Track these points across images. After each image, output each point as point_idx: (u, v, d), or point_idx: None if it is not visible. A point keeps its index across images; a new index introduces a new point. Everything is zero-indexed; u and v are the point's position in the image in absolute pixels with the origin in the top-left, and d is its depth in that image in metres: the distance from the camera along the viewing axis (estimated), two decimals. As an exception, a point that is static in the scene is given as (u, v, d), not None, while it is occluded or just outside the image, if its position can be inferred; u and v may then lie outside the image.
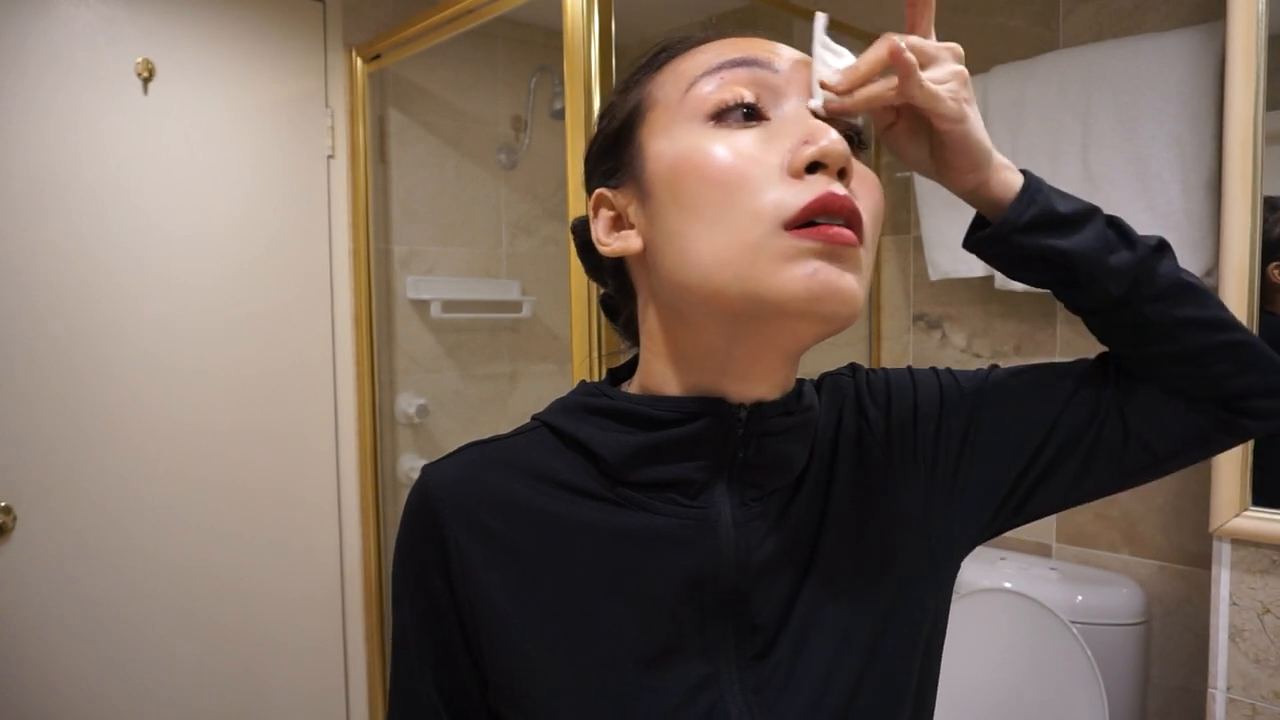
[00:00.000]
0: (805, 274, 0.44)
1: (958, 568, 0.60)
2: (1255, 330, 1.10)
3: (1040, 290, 0.70)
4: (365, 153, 1.93)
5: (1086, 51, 1.44)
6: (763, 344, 0.49)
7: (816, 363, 0.63)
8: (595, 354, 1.27)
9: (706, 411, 0.51)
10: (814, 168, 0.46)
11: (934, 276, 1.67)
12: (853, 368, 0.63)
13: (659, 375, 0.54)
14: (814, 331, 0.48)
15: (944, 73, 0.49)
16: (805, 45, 0.52)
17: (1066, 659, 1.34)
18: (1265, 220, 1.10)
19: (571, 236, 0.64)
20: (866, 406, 0.59)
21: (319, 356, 1.96)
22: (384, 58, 1.90)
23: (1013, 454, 0.58)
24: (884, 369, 0.62)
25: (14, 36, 1.54)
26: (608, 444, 0.52)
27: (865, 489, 0.57)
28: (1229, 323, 0.54)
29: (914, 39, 0.49)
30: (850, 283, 0.45)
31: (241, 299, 1.83)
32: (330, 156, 1.95)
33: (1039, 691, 1.38)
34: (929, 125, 0.51)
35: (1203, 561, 1.40)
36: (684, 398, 0.52)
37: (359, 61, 1.92)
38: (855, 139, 0.50)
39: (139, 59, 1.67)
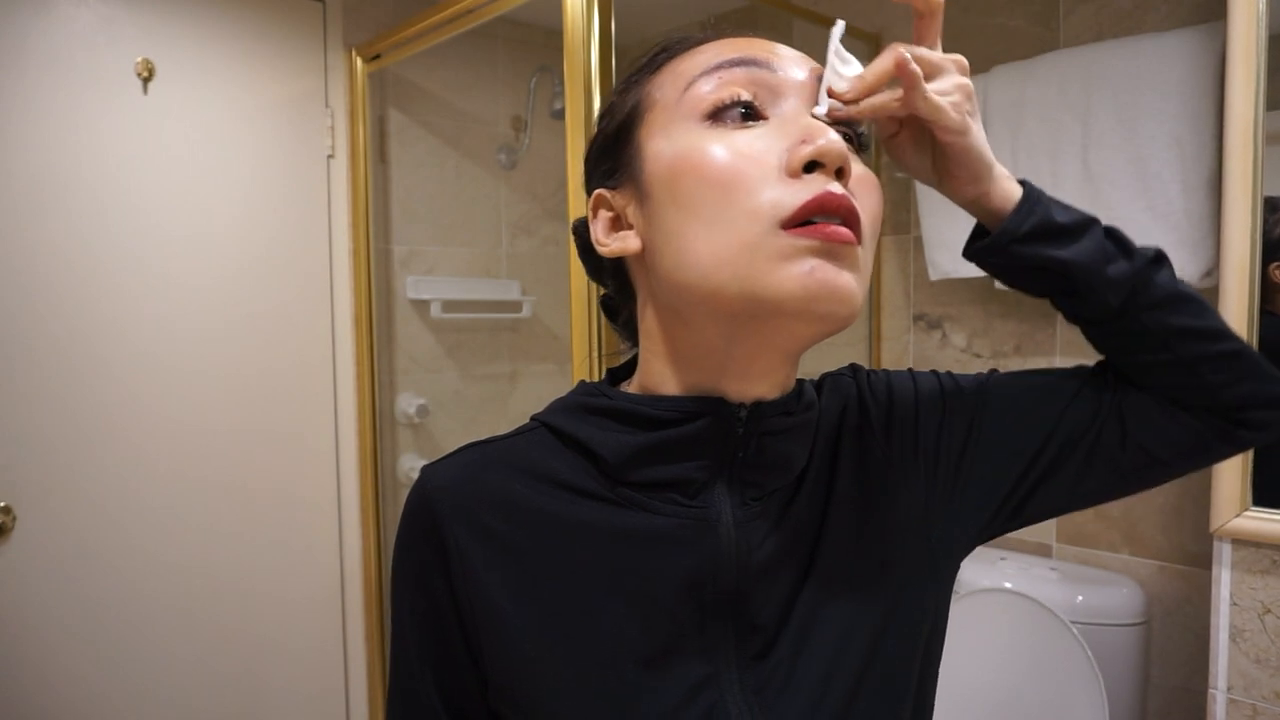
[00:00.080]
0: (803, 272, 0.44)
1: (957, 568, 0.60)
2: (1256, 330, 1.10)
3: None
4: (365, 153, 1.93)
5: (1086, 51, 1.44)
6: (761, 343, 0.49)
7: (817, 363, 0.63)
8: (595, 354, 1.27)
9: (706, 411, 0.51)
10: (812, 167, 0.46)
11: (934, 276, 1.67)
12: (853, 368, 0.63)
13: (658, 375, 0.54)
14: (812, 331, 0.48)
15: (948, 85, 0.50)
16: (806, 46, 0.52)
17: (1066, 659, 1.34)
18: (1265, 220, 1.10)
19: (573, 238, 0.64)
20: (868, 406, 0.59)
21: (319, 356, 1.96)
22: (384, 58, 1.90)
23: (1014, 454, 0.58)
24: (884, 370, 0.63)
25: (14, 36, 1.54)
26: (607, 444, 0.52)
27: (866, 488, 0.57)
28: (1225, 333, 0.55)
29: (920, 51, 0.50)
30: (848, 281, 0.45)
31: (241, 299, 1.83)
32: (330, 156, 1.95)
33: (1039, 691, 1.38)
34: (932, 136, 0.52)
35: (1203, 561, 1.40)
36: (684, 397, 0.52)
37: (359, 61, 1.92)
38: (854, 139, 0.51)
39: (139, 59, 1.67)
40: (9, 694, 1.56)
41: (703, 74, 0.50)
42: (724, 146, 0.47)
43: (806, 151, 0.45)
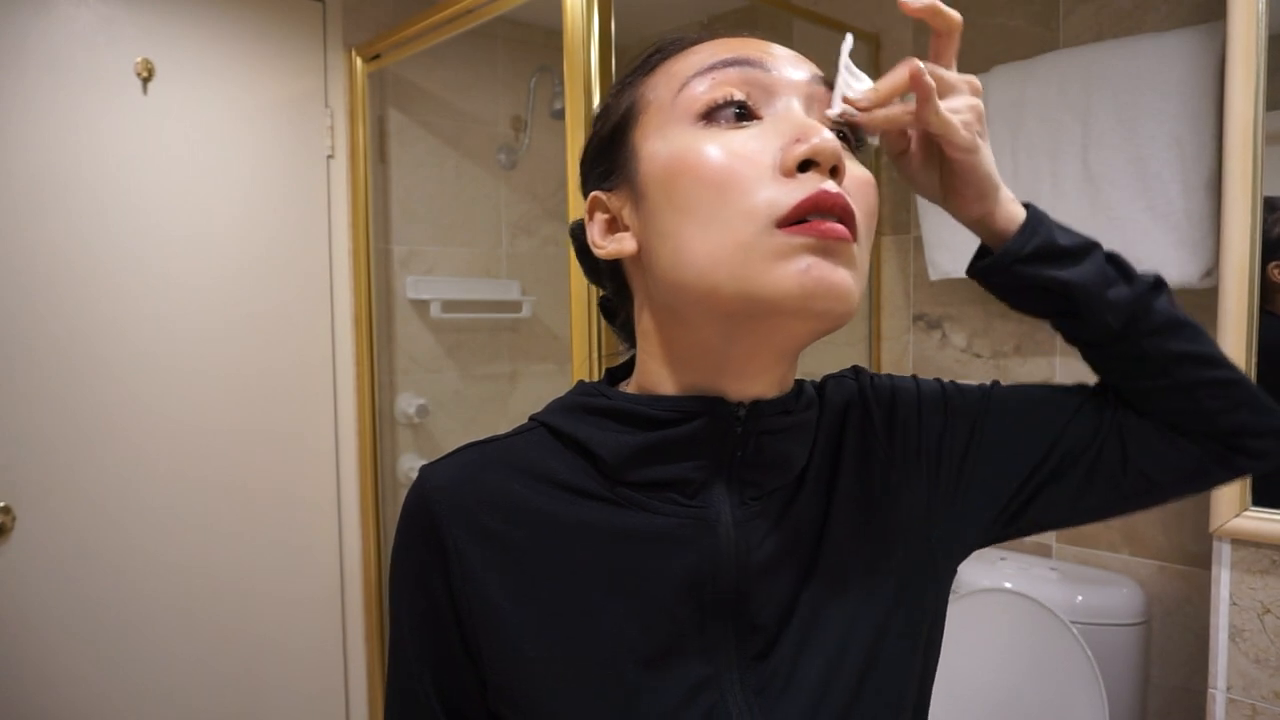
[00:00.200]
0: (799, 270, 0.44)
1: (956, 569, 0.60)
2: (1255, 330, 1.10)
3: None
4: (365, 153, 1.93)
5: (1086, 51, 1.44)
6: (759, 342, 0.50)
7: (817, 363, 0.63)
8: (595, 354, 1.27)
9: (704, 411, 0.51)
10: (806, 166, 0.46)
11: (934, 276, 1.67)
12: (856, 370, 0.63)
13: (655, 375, 0.54)
14: (809, 328, 0.48)
15: (960, 103, 0.51)
16: (806, 46, 0.52)
17: (1066, 659, 1.34)
18: (1265, 220, 1.10)
19: (570, 240, 0.64)
20: (871, 407, 0.60)
21: (319, 356, 1.96)
22: (384, 58, 1.90)
23: (1016, 458, 0.58)
24: (888, 374, 0.63)
25: (14, 36, 1.54)
26: (606, 444, 0.52)
27: (868, 489, 0.57)
28: (1221, 360, 0.56)
29: (936, 67, 0.51)
30: (844, 278, 0.46)
31: (241, 299, 1.83)
32: (330, 156, 1.95)
33: (1039, 691, 1.38)
34: (940, 154, 0.53)
35: (1203, 561, 1.40)
36: (682, 397, 0.52)
37: (359, 61, 1.92)
38: (849, 138, 0.51)
39: (139, 59, 1.67)
40: (9, 694, 1.56)
41: (696, 74, 0.50)
42: (718, 147, 0.47)
43: (801, 150, 0.46)
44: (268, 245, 1.86)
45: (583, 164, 0.58)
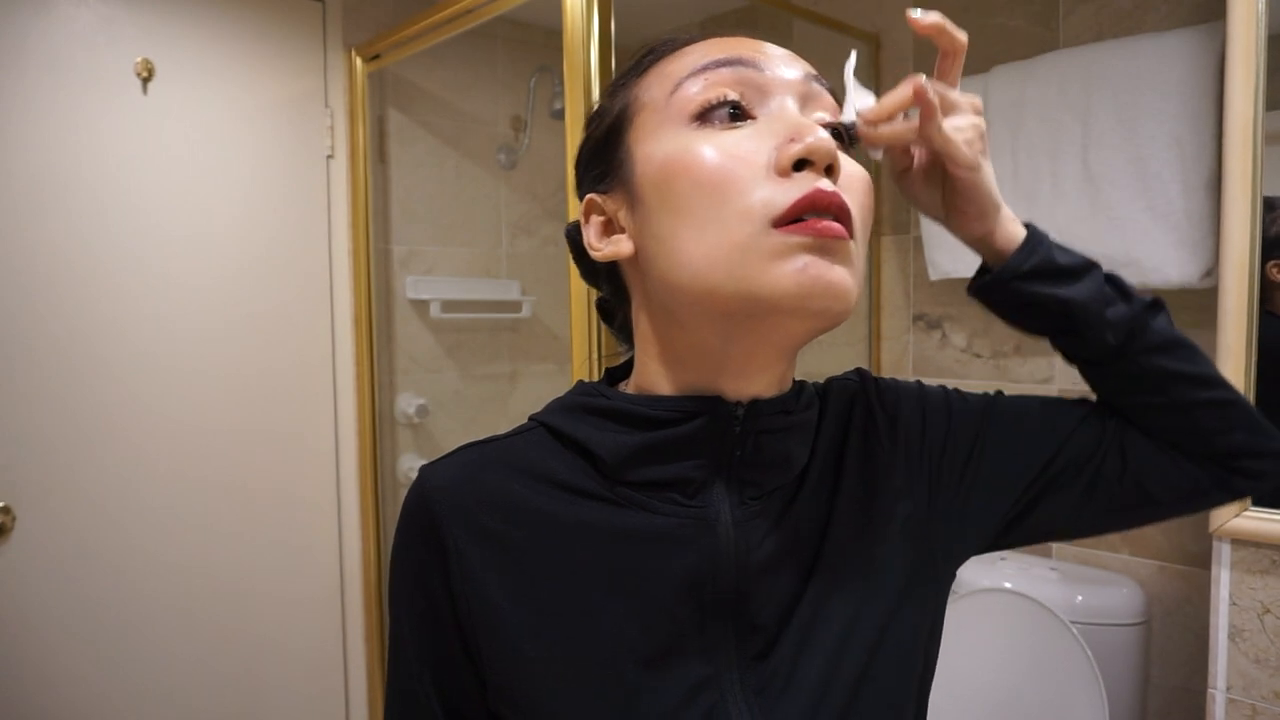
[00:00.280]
0: (795, 269, 0.44)
1: (956, 571, 0.60)
2: (1255, 330, 1.10)
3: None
4: (365, 153, 1.93)
5: (1086, 51, 1.44)
6: (757, 342, 0.50)
7: (817, 363, 0.63)
8: (595, 354, 1.27)
9: (703, 410, 0.51)
10: (801, 165, 0.46)
11: (934, 276, 1.67)
12: (859, 373, 0.63)
13: (654, 375, 0.54)
14: (807, 327, 0.48)
15: (963, 122, 0.52)
16: (805, 47, 0.53)
17: (1066, 659, 1.34)
18: (1265, 220, 1.10)
19: (567, 242, 0.64)
20: (874, 409, 0.60)
21: (319, 356, 1.96)
22: (384, 58, 1.90)
23: (1019, 462, 0.59)
24: (892, 378, 0.64)
25: (14, 36, 1.55)
26: (605, 444, 0.52)
27: (870, 490, 0.57)
28: (1218, 381, 0.57)
29: (939, 85, 0.52)
30: (841, 276, 0.46)
31: (241, 299, 1.83)
32: (330, 156, 1.95)
33: (1039, 691, 1.38)
34: (942, 172, 0.55)
35: (1203, 561, 1.40)
36: (681, 397, 0.52)
37: (359, 61, 1.92)
38: (843, 136, 0.51)
39: (139, 59, 1.67)
40: (9, 694, 1.56)
41: (690, 75, 0.50)
42: (713, 147, 0.47)
43: (795, 150, 0.46)
44: (268, 245, 1.86)
45: (578, 166, 0.58)
